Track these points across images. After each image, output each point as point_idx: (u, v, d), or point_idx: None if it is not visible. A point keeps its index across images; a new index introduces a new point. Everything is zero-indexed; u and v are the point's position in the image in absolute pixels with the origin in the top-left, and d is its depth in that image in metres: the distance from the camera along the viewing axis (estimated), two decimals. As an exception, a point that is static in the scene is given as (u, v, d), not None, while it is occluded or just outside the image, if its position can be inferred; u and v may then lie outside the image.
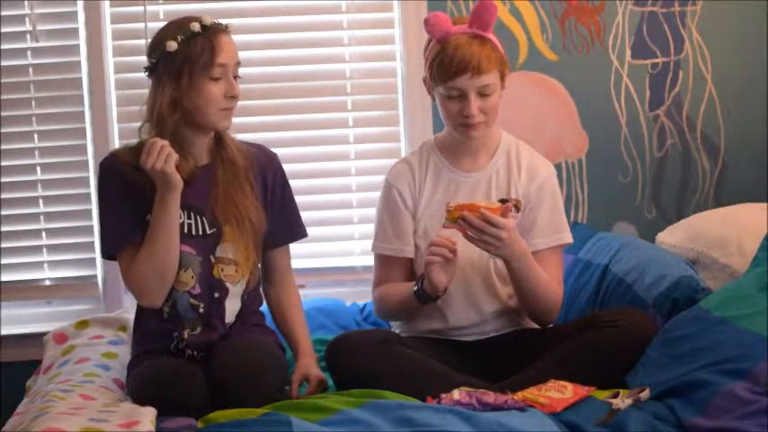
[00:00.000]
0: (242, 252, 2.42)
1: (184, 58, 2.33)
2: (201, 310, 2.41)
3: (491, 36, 2.49)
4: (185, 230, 2.40)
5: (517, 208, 2.42)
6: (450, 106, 2.49)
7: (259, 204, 2.46)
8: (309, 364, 2.46)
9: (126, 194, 2.38)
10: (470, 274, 2.53)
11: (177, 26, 2.37)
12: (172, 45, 2.34)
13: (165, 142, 2.30)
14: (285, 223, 2.54)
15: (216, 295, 2.42)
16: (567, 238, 2.59)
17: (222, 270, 2.42)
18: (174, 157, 2.29)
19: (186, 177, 2.35)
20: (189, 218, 2.41)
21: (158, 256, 2.33)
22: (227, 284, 2.43)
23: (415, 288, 2.45)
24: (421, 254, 2.52)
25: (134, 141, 2.44)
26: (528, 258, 2.43)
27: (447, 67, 2.44)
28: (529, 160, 2.60)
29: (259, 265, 2.52)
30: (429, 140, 2.69)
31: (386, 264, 2.62)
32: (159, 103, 2.35)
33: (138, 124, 2.42)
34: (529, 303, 2.50)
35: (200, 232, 2.42)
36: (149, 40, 2.43)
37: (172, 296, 2.40)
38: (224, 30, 2.39)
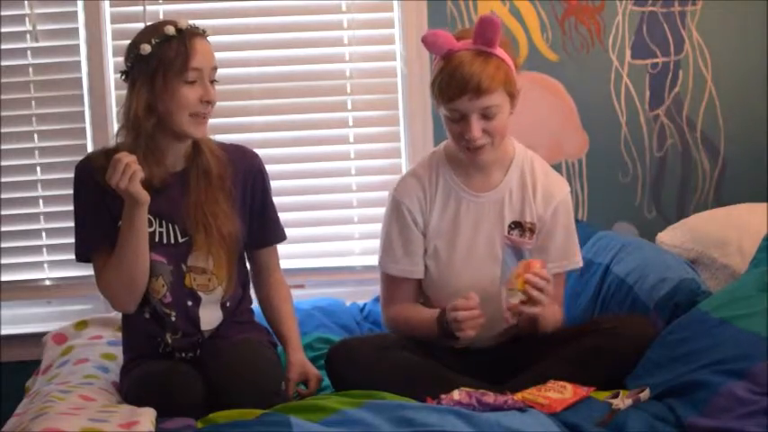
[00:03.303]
0: (216, 261, 2.37)
1: (158, 62, 2.29)
2: (173, 319, 2.37)
3: (498, 51, 2.32)
4: (156, 239, 2.35)
5: (532, 231, 2.38)
6: (452, 128, 2.35)
7: (235, 213, 2.40)
8: (304, 361, 2.45)
9: (99, 199, 2.33)
10: (483, 305, 2.36)
11: (152, 29, 2.33)
12: (146, 48, 2.29)
13: (132, 158, 2.23)
14: (265, 226, 2.50)
15: (189, 304, 2.38)
16: (578, 262, 2.52)
17: (194, 279, 2.38)
18: (140, 175, 2.22)
19: (158, 185, 2.31)
20: (161, 226, 2.36)
21: (126, 266, 2.29)
22: (200, 294, 2.39)
23: (440, 330, 2.36)
24: (430, 275, 2.46)
25: (111, 144, 2.38)
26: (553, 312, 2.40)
27: (446, 87, 2.30)
28: (544, 181, 2.47)
29: (248, 268, 2.51)
30: (439, 151, 2.53)
31: (395, 283, 2.51)
32: (135, 108, 2.30)
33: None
34: (534, 330, 2.43)
35: (172, 241, 2.37)
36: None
37: (150, 301, 2.37)
38: (200, 34, 2.33)
